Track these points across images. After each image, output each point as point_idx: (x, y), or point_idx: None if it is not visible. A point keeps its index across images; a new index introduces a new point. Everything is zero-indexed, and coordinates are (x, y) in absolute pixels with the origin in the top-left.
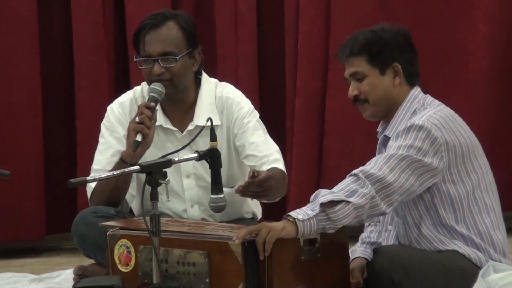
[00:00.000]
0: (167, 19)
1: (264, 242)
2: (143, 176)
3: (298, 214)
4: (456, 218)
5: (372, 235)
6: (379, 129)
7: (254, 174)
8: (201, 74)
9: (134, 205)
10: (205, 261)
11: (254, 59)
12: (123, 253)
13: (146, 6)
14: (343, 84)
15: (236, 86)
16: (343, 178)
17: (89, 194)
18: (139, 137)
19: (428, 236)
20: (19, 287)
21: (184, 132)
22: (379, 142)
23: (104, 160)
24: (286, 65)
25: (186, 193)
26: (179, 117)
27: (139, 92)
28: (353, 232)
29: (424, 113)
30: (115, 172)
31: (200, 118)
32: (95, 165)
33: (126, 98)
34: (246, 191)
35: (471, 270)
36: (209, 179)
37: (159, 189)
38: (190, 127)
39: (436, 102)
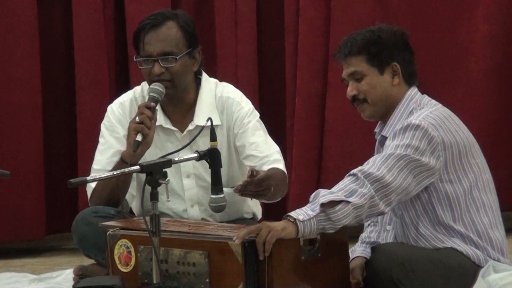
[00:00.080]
0: (167, 19)
1: (264, 242)
2: (143, 176)
3: (299, 214)
4: (454, 217)
5: (372, 235)
6: (377, 129)
7: (253, 173)
8: (201, 74)
9: (134, 205)
10: (205, 261)
11: (254, 59)
12: (123, 253)
13: (147, 6)
14: (343, 84)
15: (236, 86)
16: (343, 178)
17: (89, 194)
18: (139, 137)
19: (426, 235)
20: (19, 287)
21: (184, 132)
22: (377, 142)
23: (104, 160)
24: (286, 65)
25: (186, 193)
26: (179, 117)
27: (139, 92)
28: (353, 232)
29: (421, 113)
30: (115, 172)
31: (200, 118)
32: (95, 165)
33: (126, 98)
34: (244, 190)
35: (470, 267)
36: (209, 179)
37: (159, 189)
38: (190, 127)
39: (433, 101)
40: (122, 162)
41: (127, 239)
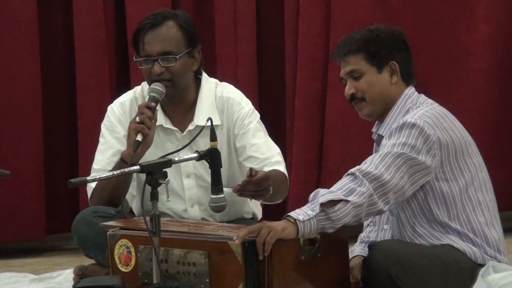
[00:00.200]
0: (166, 19)
1: (264, 242)
2: (143, 176)
3: (299, 214)
4: (450, 215)
5: (371, 235)
6: (374, 129)
7: (252, 173)
8: (201, 74)
9: (134, 205)
10: (205, 261)
11: (254, 59)
12: (123, 253)
13: (147, 6)
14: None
15: (236, 86)
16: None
17: (89, 194)
18: (139, 137)
19: (422, 233)
20: (19, 287)
21: (185, 132)
22: (375, 142)
23: (104, 160)
24: (286, 65)
25: (186, 193)
26: (179, 117)
27: (139, 92)
28: (352, 232)
29: (417, 111)
30: (115, 172)
31: (200, 118)
32: (95, 165)
33: (126, 98)
34: (243, 190)
35: (466, 264)
36: (209, 179)
37: (159, 189)
38: (190, 127)
39: (429, 101)
40: (122, 162)
41: (127, 239)
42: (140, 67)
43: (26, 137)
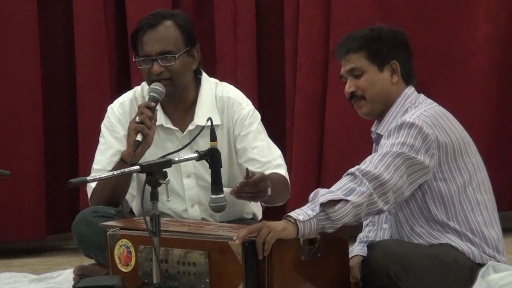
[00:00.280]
0: (164, 19)
1: (264, 242)
2: (143, 176)
3: (299, 214)
4: (448, 215)
5: (370, 235)
6: (373, 128)
7: (249, 174)
8: (201, 74)
9: (134, 205)
10: (205, 261)
11: (254, 59)
12: (123, 253)
13: (147, 6)
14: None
15: (236, 86)
16: None
17: (89, 194)
18: (139, 137)
19: (421, 233)
20: (19, 287)
21: (185, 132)
22: (374, 141)
23: (104, 160)
24: (285, 65)
25: (186, 193)
26: (179, 117)
27: (139, 92)
28: (352, 232)
29: (415, 111)
30: (115, 172)
31: (200, 117)
32: (95, 165)
33: (126, 98)
34: (240, 192)
35: (465, 263)
36: (209, 179)
37: (159, 189)
38: (190, 127)
39: (428, 100)
40: (122, 162)
41: (127, 239)
42: (139, 67)
43: (26, 137)
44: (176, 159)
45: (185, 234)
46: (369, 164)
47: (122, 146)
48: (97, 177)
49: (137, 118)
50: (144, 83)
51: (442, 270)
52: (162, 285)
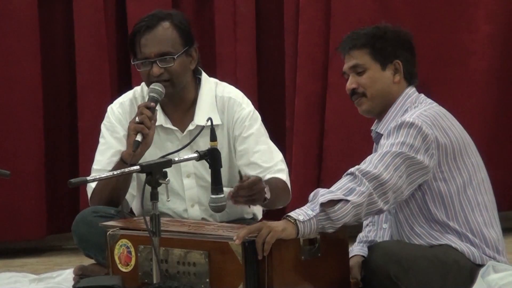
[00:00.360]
0: (161, 20)
1: (264, 242)
2: (143, 176)
3: (299, 215)
4: (448, 215)
5: (370, 234)
6: (373, 127)
7: (243, 178)
8: (200, 74)
9: (134, 205)
10: (205, 261)
11: (253, 59)
12: (123, 253)
13: (147, 6)
14: (343, 84)
15: (235, 86)
16: None
17: (89, 194)
18: (139, 137)
19: (421, 233)
20: (19, 287)
21: (185, 132)
22: (374, 141)
23: (104, 160)
24: (285, 65)
25: (186, 192)
26: (179, 117)
27: (139, 92)
28: (352, 232)
29: (415, 111)
30: (115, 172)
31: (200, 117)
32: (95, 165)
33: (126, 98)
34: (237, 196)
35: (465, 264)
36: (209, 179)
37: (159, 189)
38: (190, 127)
39: (428, 100)
40: (122, 162)
41: (127, 239)
42: (138, 70)
43: (26, 137)
44: (176, 159)
45: (185, 234)
46: (369, 164)
47: (122, 146)
48: (97, 177)
49: (137, 118)
50: (143, 83)
51: (442, 271)
52: (162, 285)
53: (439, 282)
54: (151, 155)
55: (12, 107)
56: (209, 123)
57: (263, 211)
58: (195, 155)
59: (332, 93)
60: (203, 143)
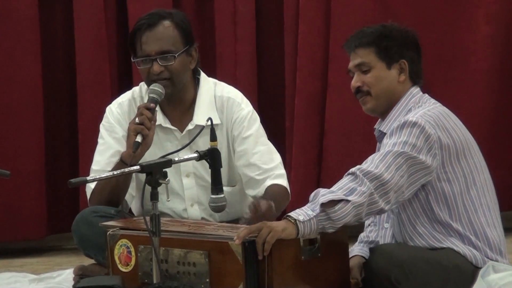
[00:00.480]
0: (162, 18)
1: (264, 242)
2: (143, 176)
3: (299, 215)
4: (451, 216)
5: (371, 235)
6: (376, 126)
7: (255, 206)
8: (199, 74)
9: (134, 205)
10: (205, 261)
11: (253, 59)
12: (123, 253)
13: (148, 6)
14: (343, 84)
15: (235, 86)
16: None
17: (88, 194)
18: (139, 138)
19: (423, 233)
20: (19, 287)
21: (184, 132)
22: (377, 141)
23: (103, 160)
24: (285, 65)
25: (186, 192)
26: (178, 117)
27: (137, 93)
28: (353, 232)
29: (418, 111)
30: (115, 172)
31: (199, 117)
32: (94, 166)
33: (124, 98)
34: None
35: (467, 268)
36: (209, 179)
37: (159, 188)
38: (190, 126)
39: (432, 100)
40: (122, 163)
41: (127, 239)
42: (138, 68)
43: (26, 137)
44: (176, 159)
45: (185, 234)
46: (370, 163)
47: (121, 147)
48: (97, 177)
49: (137, 119)
50: (142, 84)
51: (443, 275)
52: (162, 285)
53: (440, 286)
54: (150, 155)
55: (12, 107)
56: (208, 122)
57: None
58: (195, 155)
59: (332, 93)
60: (203, 143)
